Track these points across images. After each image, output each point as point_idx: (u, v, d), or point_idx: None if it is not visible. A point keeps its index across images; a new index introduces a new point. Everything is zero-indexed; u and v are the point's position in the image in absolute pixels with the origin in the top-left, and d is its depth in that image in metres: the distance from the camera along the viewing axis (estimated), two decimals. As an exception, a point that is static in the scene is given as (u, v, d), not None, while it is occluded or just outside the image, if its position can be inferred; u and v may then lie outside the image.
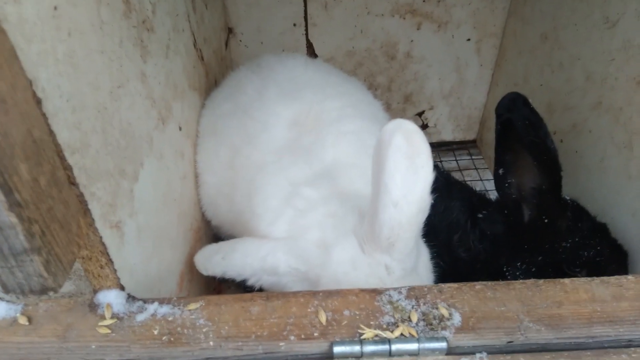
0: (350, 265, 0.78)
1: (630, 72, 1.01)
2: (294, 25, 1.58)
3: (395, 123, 0.66)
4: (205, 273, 0.88)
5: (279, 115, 1.00)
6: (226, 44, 1.56)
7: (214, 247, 0.88)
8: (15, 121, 0.43)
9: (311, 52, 1.64)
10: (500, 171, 1.04)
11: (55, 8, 0.50)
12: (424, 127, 1.87)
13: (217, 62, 1.41)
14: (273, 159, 0.95)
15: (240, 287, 1.38)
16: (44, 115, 0.48)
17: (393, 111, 1.81)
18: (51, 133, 0.49)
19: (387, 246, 0.74)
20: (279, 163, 0.94)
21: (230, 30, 1.59)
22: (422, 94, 1.77)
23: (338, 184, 0.89)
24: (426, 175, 0.67)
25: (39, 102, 0.47)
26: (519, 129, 0.96)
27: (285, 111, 1.01)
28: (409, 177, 0.67)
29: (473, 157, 1.90)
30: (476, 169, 1.84)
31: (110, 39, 0.65)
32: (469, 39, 1.63)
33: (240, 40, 1.61)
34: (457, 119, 1.85)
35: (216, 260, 0.84)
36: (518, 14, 1.50)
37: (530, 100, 1.01)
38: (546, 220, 0.99)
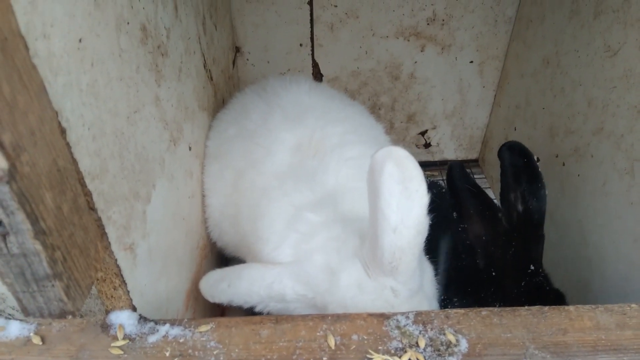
0: (357, 290, 0.79)
1: (632, 100, 1.03)
2: (301, 45, 1.61)
3: (385, 151, 0.68)
4: (211, 300, 0.89)
5: (283, 141, 1.02)
6: (234, 63, 1.59)
7: (218, 273, 0.88)
8: (42, 152, 0.45)
9: (317, 72, 1.66)
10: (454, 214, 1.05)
11: (80, 40, 0.52)
12: (426, 145, 1.89)
13: (225, 81, 1.43)
14: (277, 183, 0.97)
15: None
16: (67, 144, 0.50)
17: (396, 130, 1.83)
18: (74, 161, 0.51)
19: (391, 270, 0.75)
20: (283, 188, 0.95)
21: (237, 50, 1.61)
22: (425, 113, 1.79)
23: (340, 208, 0.90)
24: (421, 199, 0.69)
25: (63, 132, 0.49)
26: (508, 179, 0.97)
27: (289, 137, 1.02)
28: (404, 202, 0.69)
29: (475, 176, 1.92)
30: None
31: (129, 66, 0.67)
32: (471, 61, 1.65)
33: (248, 59, 1.64)
34: (459, 139, 1.88)
35: (222, 288, 0.85)
36: (520, 38, 1.53)
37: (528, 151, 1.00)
38: (494, 274, 0.97)
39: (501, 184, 0.98)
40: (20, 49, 0.41)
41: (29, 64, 0.42)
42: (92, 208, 0.55)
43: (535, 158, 0.97)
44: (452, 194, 1.02)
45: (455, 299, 1.00)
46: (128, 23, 0.66)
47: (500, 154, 0.99)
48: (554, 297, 0.94)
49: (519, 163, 0.96)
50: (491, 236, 0.94)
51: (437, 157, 1.91)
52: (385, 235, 0.71)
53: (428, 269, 0.90)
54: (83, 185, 0.53)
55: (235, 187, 1.04)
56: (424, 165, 1.86)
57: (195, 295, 1.06)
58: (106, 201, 0.59)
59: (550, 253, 1.39)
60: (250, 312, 0.97)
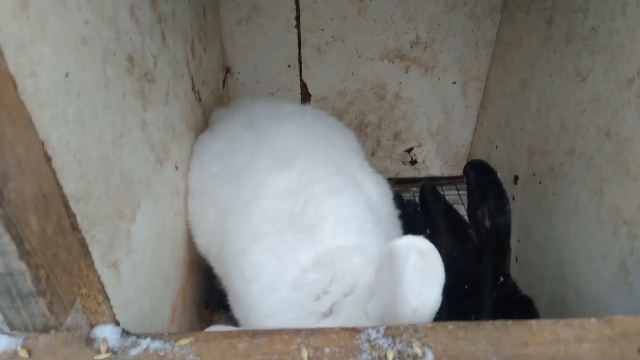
0: None
1: (599, 123, 1.08)
2: (289, 66, 1.66)
3: (408, 242, 0.74)
4: None
5: (271, 185, 1.00)
6: (224, 83, 1.64)
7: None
8: (28, 179, 0.49)
9: (305, 92, 1.72)
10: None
11: (67, 75, 0.57)
12: (412, 162, 1.94)
13: (215, 100, 1.48)
14: (271, 229, 0.95)
15: (232, 319, 1.42)
16: (53, 171, 0.54)
17: (383, 147, 1.88)
18: (59, 186, 0.55)
19: None
20: (281, 237, 0.93)
21: (228, 70, 1.67)
22: (411, 132, 1.85)
23: (341, 267, 0.89)
24: (440, 284, 0.76)
25: (49, 159, 0.53)
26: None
27: (277, 181, 1.01)
28: (425, 289, 0.75)
29: (460, 192, 1.96)
30: (463, 204, 1.90)
31: (114, 95, 0.71)
32: (454, 82, 1.71)
33: (238, 79, 1.69)
34: (444, 156, 1.93)
35: None
36: (500, 61, 1.59)
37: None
38: (466, 288, 1.00)
39: (468, 201, 1.02)
40: (9, 87, 0.45)
41: (17, 101, 0.46)
42: (76, 229, 0.59)
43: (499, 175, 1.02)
44: (424, 213, 1.07)
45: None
46: (114, 55, 0.71)
47: (465, 172, 1.04)
48: (524, 303, 0.99)
49: (483, 180, 1.01)
50: (462, 252, 0.98)
51: (423, 174, 1.96)
52: (405, 315, 0.77)
53: None
54: (67, 207, 0.57)
55: (220, 229, 1.03)
56: (411, 182, 1.93)
57: (181, 309, 1.10)
58: (90, 222, 0.63)
59: (527, 270, 1.43)
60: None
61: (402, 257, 0.74)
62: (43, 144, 0.52)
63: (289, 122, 1.19)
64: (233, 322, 1.39)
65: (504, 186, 1.00)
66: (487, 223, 0.97)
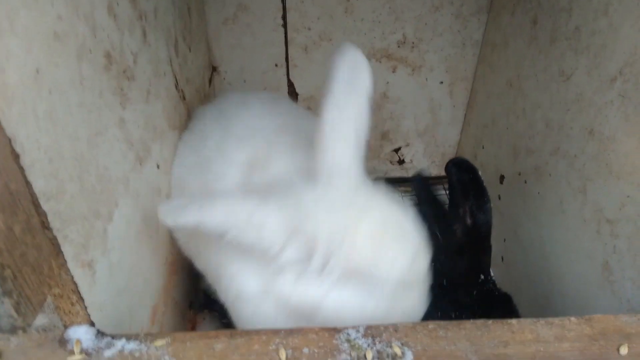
0: None
1: (583, 122, 1.08)
2: (276, 65, 1.65)
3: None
4: (171, 224, 0.80)
5: (233, 160, 1.01)
6: (210, 81, 1.63)
7: (185, 200, 0.83)
8: (-6, 176, 0.48)
9: (292, 91, 1.71)
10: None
11: (37, 71, 0.56)
12: (400, 162, 1.93)
13: (200, 99, 1.47)
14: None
15: (216, 318, 1.41)
16: (21, 168, 0.53)
17: (371, 147, 1.88)
18: (27, 184, 0.54)
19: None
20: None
21: (214, 69, 1.66)
22: (399, 131, 1.85)
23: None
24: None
25: (17, 157, 0.52)
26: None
27: (240, 156, 1.01)
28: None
29: (447, 192, 1.96)
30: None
31: (90, 92, 0.70)
32: (442, 82, 1.71)
33: (224, 79, 1.68)
34: (432, 156, 1.93)
35: (192, 209, 0.78)
36: (486, 61, 1.59)
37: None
38: (445, 284, 1.01)
39: (449, 199, 1.02)
40: (-28, 82, 0.44)
41: (-20, 96, 0.45)
42: (46, 227, 0.58)
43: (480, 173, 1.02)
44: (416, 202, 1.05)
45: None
46: (90, 52, 0.70)
47: (447, 170, 1.04)
48: (503, 300, 0.99)
49: (465, 178, 1.01)
50: (445, 247, 0.98)
51: (411, 173, 1.95)
52: None
53: None
54: (37, 205, 0.56)
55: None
56: (398, 182, 1.93)
57: (163, 310, 1.08)
58: (63, 220, 0.62)
59: (513, 269, 1.44)
60: (228, 326, 0.97)
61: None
62: (10, 140, 0.51)
63: (255, 107, 1.18)
64: (217, 322, 1.38)
65: (485, 184, 1.00)
66: (468, 221, 0.97)
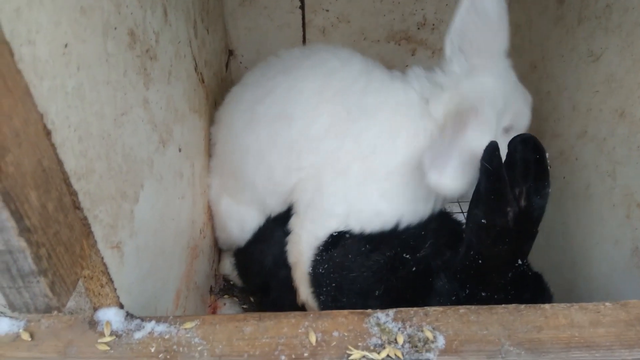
0: None
1: (613, 104, 1.05)
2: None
3: None
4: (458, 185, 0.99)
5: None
6: (226, 66, 1.61)
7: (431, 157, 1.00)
8: (27, 152, 0.47)
9: (309, 75, 1.68)
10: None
11: (66, 46, 0.54)
12: (418, 148, 1.91)
13: (218, 84, 1.45)
14: None
15: (236, 303, 1.40)
16: (52, 145, 0.52)
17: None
18: (59, 162, 0.53)
19: None
20: None
21: (230, 52, 1.63)
22: (417, 116, 1.81)
23: None
24: None
25: (48, 133, 0.51)
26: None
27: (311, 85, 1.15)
28: None
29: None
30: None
31: (115, 70, 0.69)
32: (462, 65, 1.67)
33: (241, 62, 1.66)
34: (450, 142, 1.89)
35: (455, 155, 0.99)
36: (509, 43, 1.55)
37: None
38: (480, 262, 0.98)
39: (507, 177, 0.92)
40: (5, 54, 0.43)
41: (13, 69, 0.44)
42: (77, 207, 0.57)
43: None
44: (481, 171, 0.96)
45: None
46: (115, 28, 0.68)
47: (511, 145, 0.94)
48: (535, 279, 0.96)
49: (530, 158, 0.91)
50: (491, 226, 0.91)
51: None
52: None
53: None
54: (68, 185, 0.55)
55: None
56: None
57: (185, 294, 1.08)
58: (92, 200, 0.61)
59: (535, 254, 1.41)
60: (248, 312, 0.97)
61: None
62: (42, 116, 0.49)
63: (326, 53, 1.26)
64: (238, 307, 1.37)
65: (549, 167, 0.91)
66: (523, 203, 0.90)
